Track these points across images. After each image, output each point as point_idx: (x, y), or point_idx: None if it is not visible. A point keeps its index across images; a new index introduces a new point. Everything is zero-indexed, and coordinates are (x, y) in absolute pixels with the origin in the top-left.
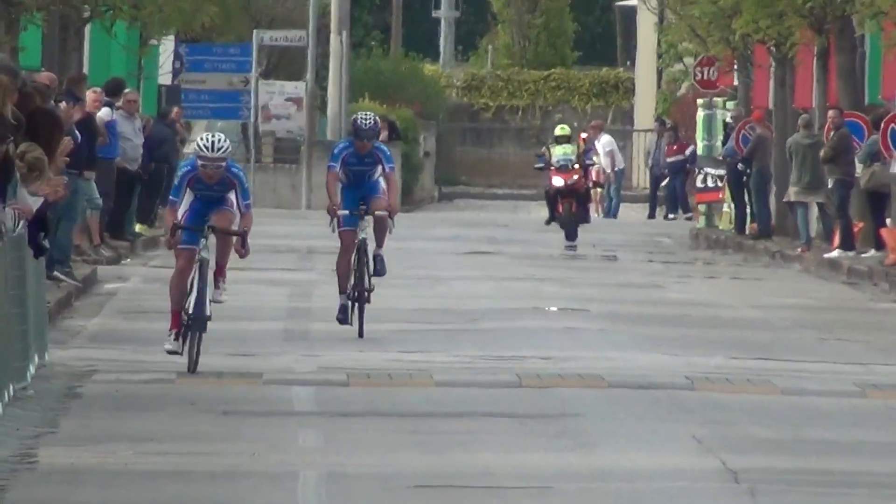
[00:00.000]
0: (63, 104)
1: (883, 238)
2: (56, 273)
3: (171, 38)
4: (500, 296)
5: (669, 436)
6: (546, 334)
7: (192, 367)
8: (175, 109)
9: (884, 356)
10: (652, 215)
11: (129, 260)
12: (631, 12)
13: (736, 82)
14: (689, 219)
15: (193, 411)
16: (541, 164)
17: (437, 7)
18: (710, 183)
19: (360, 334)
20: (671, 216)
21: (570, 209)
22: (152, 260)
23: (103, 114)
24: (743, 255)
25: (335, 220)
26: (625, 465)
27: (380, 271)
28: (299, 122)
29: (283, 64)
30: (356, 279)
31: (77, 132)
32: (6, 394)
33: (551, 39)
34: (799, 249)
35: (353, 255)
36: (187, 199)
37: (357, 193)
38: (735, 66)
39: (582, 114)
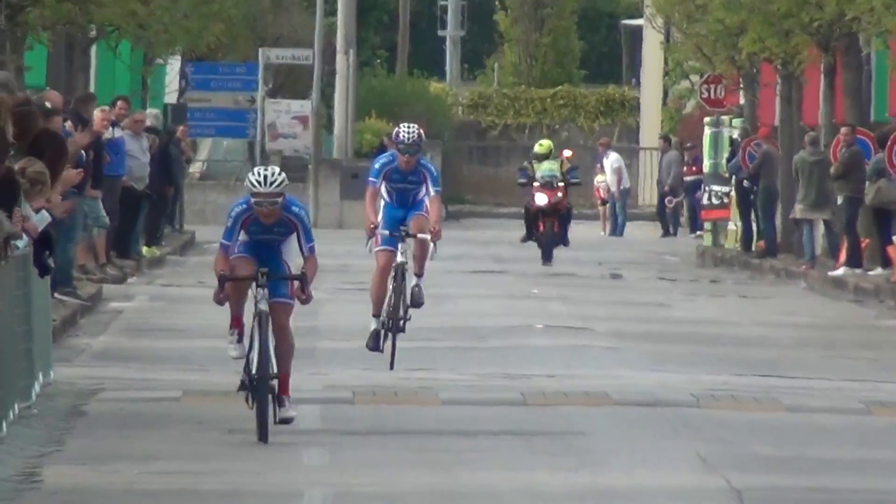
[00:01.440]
0: (69, 126)
1: (889, 255)
2: (57, 294)
3: (177, 57)
4: (506, 314)
5: (674, 454)
6: (552, 352)
7: (263, 436)
8: (180, 128)
9: (890, 374)
10: (666, 233)
11: (134, 278)
12: (637, 31)
13: (742, 100)
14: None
15: (199, 430)
16: (523, 180)
17: (444, 26)
18: (715, 200)
19: (392, 366)
20: (697, 233)
21: (551, 229)
22: (158, 279)
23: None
24: (749, 272)
25: (372, 239)
26: (630, 484)
27: (417, 301)
28: (305, 141)
29: (289, 83)
30: (391, 306)
31: (83, 152)
32: (11, 413)
33: (558, 58)
34: (804, 267)
35: (390, 278)
36: (240, 245)
37: (400, 213)
38: (741, 84)
39: (588, 131)
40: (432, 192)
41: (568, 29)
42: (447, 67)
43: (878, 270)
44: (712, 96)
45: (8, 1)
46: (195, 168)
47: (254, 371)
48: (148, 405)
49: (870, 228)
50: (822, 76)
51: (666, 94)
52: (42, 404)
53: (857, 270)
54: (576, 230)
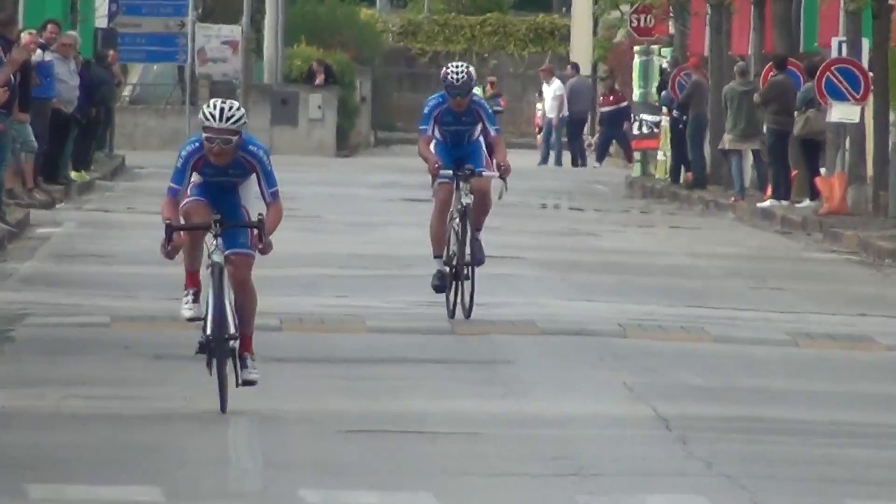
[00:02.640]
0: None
1: (817, 187)
2: None
3: None
4: None
5: (601, 383)
6: (479, 281)
7: (221, 405)
8: (111, 53)
9: (816, 305)
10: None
11: (63, 204)
12: None
13: (672, 30)
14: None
15: (126, 355)
16: None
17: None
18: (645, 130)
19: (451, 314)
20: (596, 165)
21: None
22: (87, 204)
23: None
24: (677, 203)
25: (436, 182)
26: (556, 413)
27: (478, 259)
28: (235, 66)
29: (219, 7)
30: (457, 252)
31: (11, 76)
32: None
33: None
34: (732, 198)
35: (452, 218)
36: (191, 187)
37: (456, 153)
38: (671, 14)
39: (518, 59)
40: (492, 132)
41: None
42: None
43: (806, 202)
44: (642, 25)
45: None
46: (125, 92)
47: (208, 331)
48: (75, 330)
49: (798, 160)
50: (752, 6)
51: (596, 22)
52: None
53: (785, 202)
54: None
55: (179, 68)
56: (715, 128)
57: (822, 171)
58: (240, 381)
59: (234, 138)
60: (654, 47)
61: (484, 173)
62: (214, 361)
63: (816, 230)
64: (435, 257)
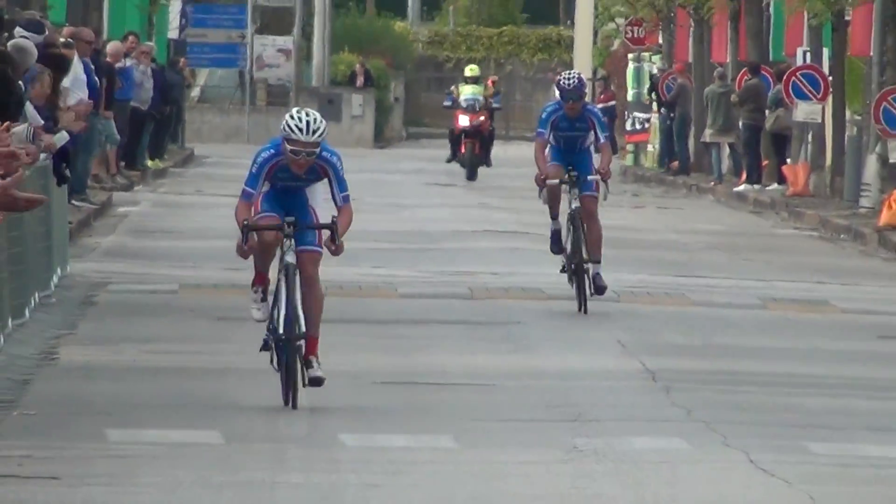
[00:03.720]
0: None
1: (784, 174)
2: (73, 201)
3: None
4: (457, 220)
5: (597, 341)
6: (495, 253)
7: (292, 401)
8: (182, 60)
9: (783, 274)
10: None
11: (140, 187)
12: None
13: (660, 40)
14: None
15: (192, 317)
16: (448, 103)
17: None
18: (637, 126)
19: (583, 309)
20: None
21: (472, 150)
22: (161, 188)
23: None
24: (664, 188)
25: (543, 190)
26: (559, 366)
27: (600, 288)
28: (288, 71)
29: (274, 21)
30: (573, 249)
31: (96, 78)
32: (32, 300)
33: (503, 2)
34: (712, 183)
35: (565, 222)
36: (261, 197)
37: (567, 158)
38: (660, 26)
39: (529, 65)
40: (602, 139)
41: None
42: (409, 9)
43: (775, 186)
44: (635, 36)
45: None
46: (194, 93)
47: (280, 331)
48: (148, 296)
49: (768, 151)
50: (729, 20)
51: (596, 34)
52: (59, 294)
53: (757, 186)
54: (521, 149)
55: (240, 73)
56: (697, 124)
57: (789, 160)
58: (306, 381)
59: (318, 149)
60: (645, 55)
61: (589, 177)
62: (284, 358)
63: (783, 210)
64: (552, 218)
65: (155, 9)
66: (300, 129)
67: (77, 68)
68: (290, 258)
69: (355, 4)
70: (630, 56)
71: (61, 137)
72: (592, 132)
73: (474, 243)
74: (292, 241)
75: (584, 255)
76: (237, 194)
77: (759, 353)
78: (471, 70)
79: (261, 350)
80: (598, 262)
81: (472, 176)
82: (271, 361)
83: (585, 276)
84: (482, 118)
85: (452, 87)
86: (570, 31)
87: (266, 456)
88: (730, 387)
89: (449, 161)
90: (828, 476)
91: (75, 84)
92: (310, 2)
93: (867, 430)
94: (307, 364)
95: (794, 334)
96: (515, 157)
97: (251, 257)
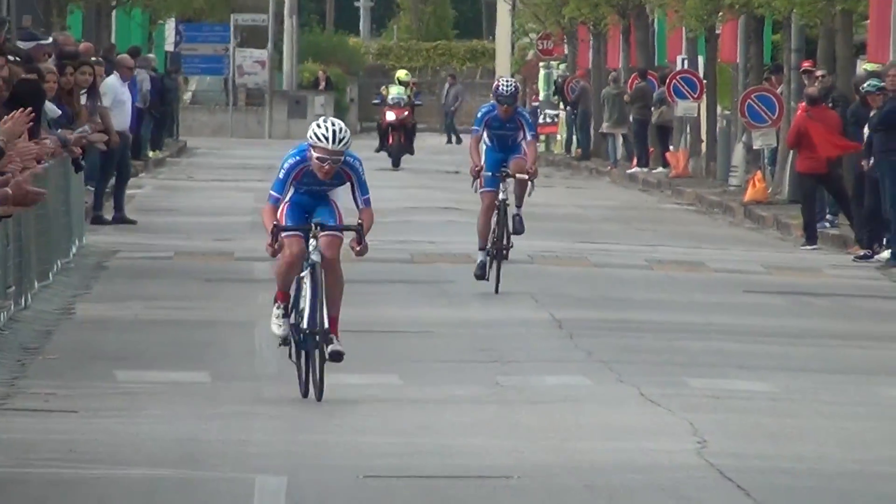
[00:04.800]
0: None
1: (667, 159)
2: (88, 186)
3: (173, 19)
4: (401, 199)
5: (515, 296)
6: (432, 226)
7: (316, 393)
8: (176, 69)
9: (665, 241)
10: (449, 141)
11: (143, 174)
12: (492, 1)
13: (566, 50)
14: None
15: (186, 279)
16: (377, 101)
17: None
18: (548, 120)
19: (497, 290)
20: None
21: (399, 140)
22: (160, 174)
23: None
24: (570, 171)
25: (477, 181)
26: (482, 316)
27: (518, 230)
28: (263, 77)
29: (252, 37)
30: (496, 237)
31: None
32: (55, 266)
33: (437, 21)
34: (609, 167)
35: (493, 215)
36: (286, 208)
37: (500, 156)
38: (565, 39)
39: (459, 72)
40: (529, 137)
41: (445, 1)
42: (361, 26)
43: (660, 169)
44: (545, 47)
45: None
46: (187, 96)
47: (304, 325)
48: (150, 262)
49: (654, 140)
50: (621, 34)
51: (513, 46)
52: (77, 261)
53: (645, 169)
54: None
55: (225, 79)
56: (596, 118)
57: (671, 148)
58: (327, 355)
59: (342, 157)
60: (554, 63)
61: (517, 175)
62: (304, 353)
63: (667, 189)
64: (480, 249)
65: (154, 27)
66: (327, 138)
67: (118, 90)
68: (316, 257)
69: (317, 23)
70: (541, 64)
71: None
72: (521, 132)
73: (415, 217)
74: (318, 241)
75: (505, 243)
76: (222, 179)
77: (646, 305)
78: (404, 74)
79: (279, 346)
80: (520, 206)
81: (396, 164)
82: (290, 356)
83: (504, 260)
84: (406, 113)
85: (382, 88)
86: (492, 44)
87: (246, 392)
88: (623, 333)
89: (378, 150)
90: (704, 406)
91: (116, 105)
92: (280, 21)
93: (737, 368)
94: (328, 341)
95: (675, 290)
96: (447, 147)
97: (278, 273)
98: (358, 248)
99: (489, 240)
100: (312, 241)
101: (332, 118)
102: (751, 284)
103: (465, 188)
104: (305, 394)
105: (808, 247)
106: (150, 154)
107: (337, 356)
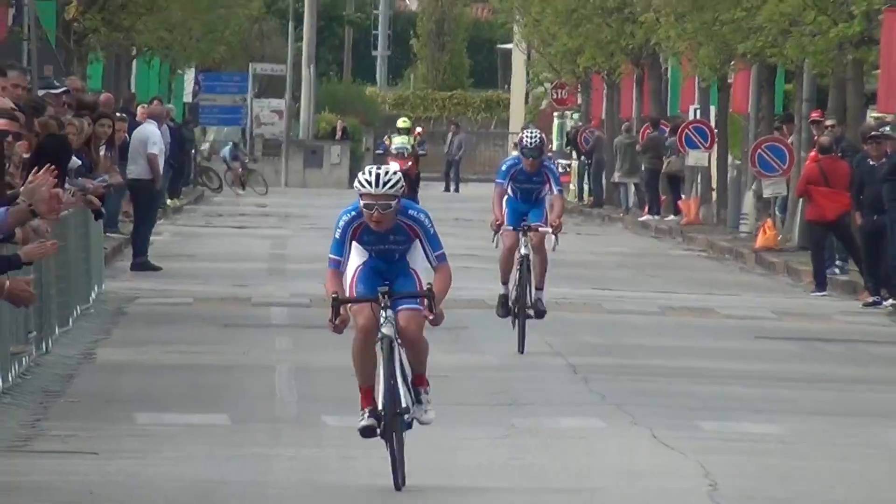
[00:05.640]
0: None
1: (679, 207)
2: (107, 233)
3: (192, 69)
4: None
5: (529, 342)
6: None
7: (401, 479)
8: (192, 120)
9: (678, 287)
10: (447, 189)
11: (161, 220)
12: (507, 52)
13: (579, 100)
14: None
15: (204, 324)
16: (381, 151)
17: (376, 48)
18: (560, 169)
19: (521, 349)
20: None
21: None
22: (178, 221)
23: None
24: (583, 217)
25: (498, 235)
26: (498, 362)
27: (541, 313)
28: (280, 127)
29: (269, 87)
30: (518, 293)
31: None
32: (75, 312)
33: (453, 70)
34: (621, 214)
35: (515, 269)
36: (355, 260)
37: (522, 208)
38: (579, 89)
39: (475, 122)
40: (555, 191)
41: (460, 50)
42: (377, 76)
43: (671, 217)
44: (559, 97)
45: (75, 29)
46: (204, 147)
47: (380, 406)
48: (169, 307)
49: (665, 189)
50: (634, 84)
51: (527, 95)
52: (96, 306)
53: (657, 217)
54: (467, 189)
55: (242, 130)
56: (609, 167)
57: (683, 196)
58: (414, 419)
59: (394, 203)
60: (568, 112)
61: (540, 228)
62: (387, 437)
63: (678, 236)
64: (502, 283)
65: (173, 77)
66: (369, 182)
67: (154, 136)
68: (388, 330)
69: (334, 73)
70: (555, 114)
71: (102, 181)
72: (547, 185)
73: None
74: (388, 311)
75: (528, 301)
76: (239, 225)
77: (659, 351)
78: (403, 122)
79: (362, 436)
80: (541, 289)
81: None
82: (381, 436)
83: (527, 320)
84: (409, 163)
85: (385, 137)
86: (507, 93)
87: (264, 434)
88: (636, 377)
89: None
90: (716, 448)
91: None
92: (298, 71)
93: (747, 412)
94: (416, 399)
95: (687, 335)
96: (462, 195)
97: (353, 357)
98: (431, 317)
99: (511, 294)
100: (383, 312)
101: (380, 165)
102: (762, 330)
103: (479, 235)
104: (396, 485)
105: (818, 293)
106: (169, 202)
107: (425, 423)
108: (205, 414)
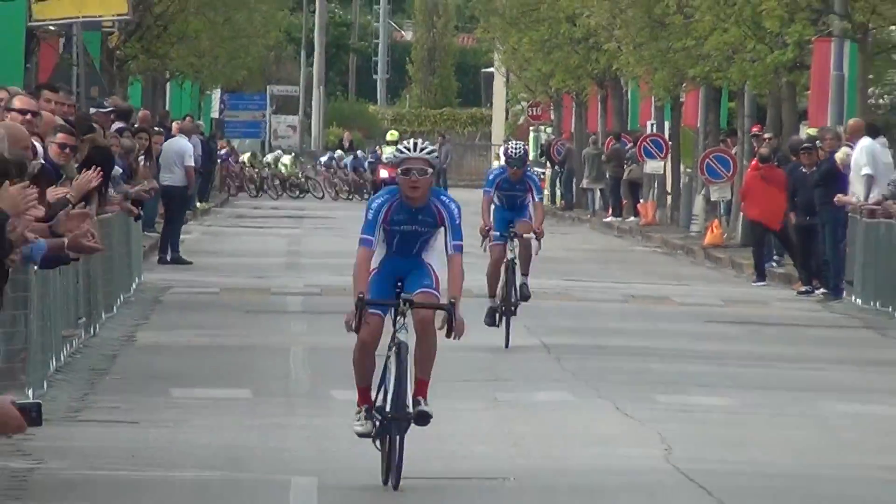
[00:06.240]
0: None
1: (638, 209)
2: (145, 232)
3: (219, 89)
4: None
5: (511, 327)
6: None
7: (393, 480)
8: (218, 133)
9: (638, 278)
10: None
11: (192, 221)
12: (490, 75)
13: (552, 116)
14: None
15: (229, 311)
16: (373, 159)
17: (376, 72)
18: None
19: (507, 345)
20: None
21: None
22: (206, 221)
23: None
24: (556, 219)
25: (486, 239)
26: (483, 343)
27: (525, 295)
28: (295, 140)
29: (285, 105)
30: (504, 294)
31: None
32: (119, 300)
33: (443, 91)
34: (588, 216)
35: (502, 269)
36: (378, 253)
37: (508, 215)
38: (552, 107)
39: (462, 135)
40: (536, 199)
41: (449, 74)
42: (378, 96)
43: (632, 218)
44: (534, 113)
45: (117, 56)
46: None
47: (387, 409)
48: (199, 296)
49: (626, 194)
50: (599, 102)
51: (507, 112)
52: (136, 295)
53: (619, 218)
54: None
55: (262, 142)
56: (578, 175)
57: (641, 200)
58: (414, 415)
59: (430, 171)
60: (542, 127)
61: (524, 236)
62: (389, 439)
63: (638, 235)
64: (489, 297)
65: (202, 97)
66: (408, 148)
67: (190, 150)
68: (404, 337)
69: (341, 93)
70: (531, 128)
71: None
72: (529, 194)
73: None
74: (405, 319)
75: (513, 300)
76: (257, 226)
77: (622, 333)
78: (391, 135)
79: (362, 437)
80: (526, 274)
81: None
82: (374, 441)
83: (512, 316)
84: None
85: (377, 147)
86: (489, 110)
87: (280, 406)
88: (602, 356)
89: None
90: (671, 418)
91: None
92: (309, 91)
93: (698, 386)
94: (416, 402)
95: (646, 320)
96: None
97: (354, 360)
98: (453, 333)
99: (498, 295)
100: (400, 319)
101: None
102: (711, 315)
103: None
104: (386, 480)
105: (759, 283)
106: (198, 205)
107: (423, 419)
108: (229, 389)
